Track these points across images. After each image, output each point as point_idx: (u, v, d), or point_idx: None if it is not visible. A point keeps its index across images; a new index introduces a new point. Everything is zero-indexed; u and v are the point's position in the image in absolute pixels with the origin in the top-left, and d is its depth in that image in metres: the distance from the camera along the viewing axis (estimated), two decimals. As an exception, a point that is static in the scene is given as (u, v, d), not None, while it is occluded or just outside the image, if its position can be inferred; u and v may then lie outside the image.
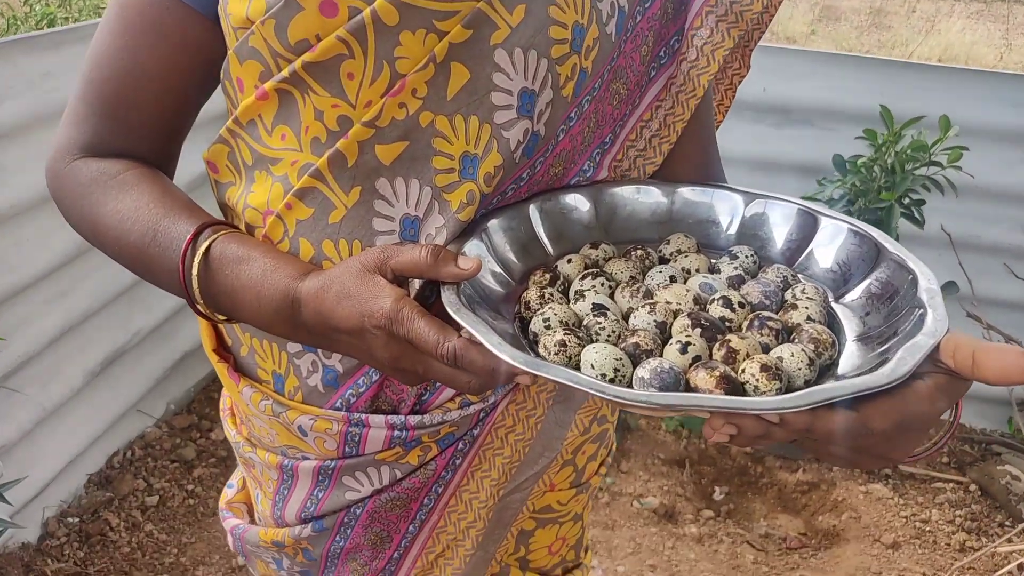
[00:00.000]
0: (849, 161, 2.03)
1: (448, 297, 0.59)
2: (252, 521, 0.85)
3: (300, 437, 0.74)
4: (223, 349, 0.79)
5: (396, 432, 0.72)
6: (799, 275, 0.70)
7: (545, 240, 0.74)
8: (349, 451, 0.74)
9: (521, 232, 0.73)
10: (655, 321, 0.62)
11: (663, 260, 0.74)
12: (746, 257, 0.71)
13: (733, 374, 0.56)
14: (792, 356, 0.57)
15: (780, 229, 0.75)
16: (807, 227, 0.73)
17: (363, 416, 0.71)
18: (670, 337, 0.62)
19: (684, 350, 0.58)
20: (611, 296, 0.67)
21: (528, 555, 0.91)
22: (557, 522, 0.90)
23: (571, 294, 0.68)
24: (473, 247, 0.68)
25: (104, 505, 1.87)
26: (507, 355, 0.53)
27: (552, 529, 0.90)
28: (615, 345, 0.60)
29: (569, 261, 0.71)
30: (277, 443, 0.77)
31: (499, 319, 0.64)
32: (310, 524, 0.78)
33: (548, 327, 0.62)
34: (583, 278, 0.68)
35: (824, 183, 2.03)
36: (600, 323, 0.61)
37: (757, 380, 0.55)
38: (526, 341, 0.63)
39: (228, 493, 0.90)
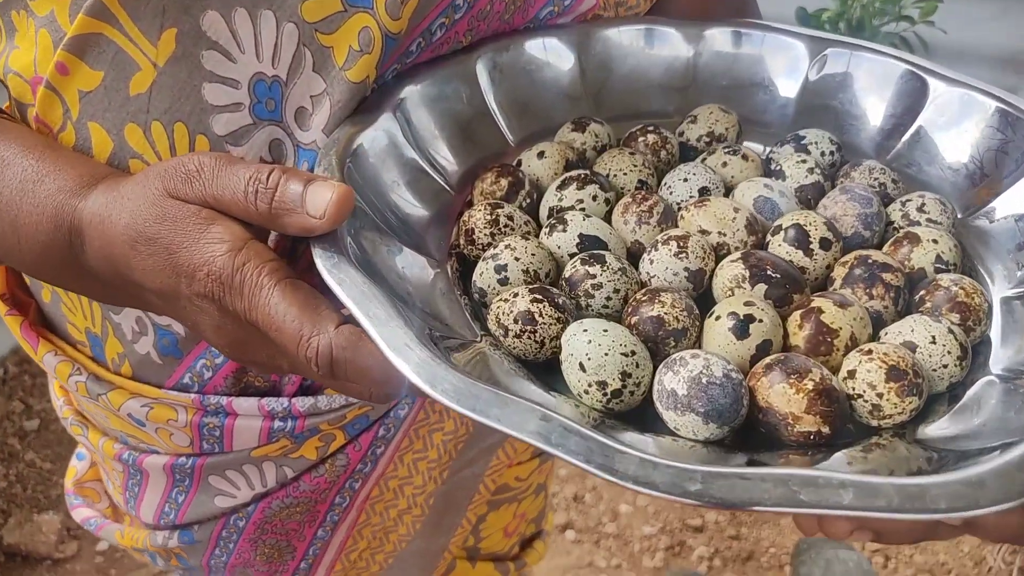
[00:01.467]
0: (813, 15, 1.80)
1: (319, 246, 0.32)
2: (113, 508, 0.62)
3: (135, 426, 0.49)
4: (22, 291, 0.52)
5: (277, 423, 0.47)
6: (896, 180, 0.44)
7: (500, 118, 0.47)
8: (209, 447, 0.49)
9: (462, 104, 0.45)
10: (686, 270, 0.36)
11: (687, 151, 0.47)
12: (823, 153, 0.45)
13: (836, 385, 0.31)
14: (933, 343, 0.33)
15: (870, 99, 0.48)
16: (912, 95, 0.46)
17: (224, 400, 0.46)
18: (711, 300, 0.36)
19: (743, 330, 0.33)
20: (607, 217, 0.41)
21: (479, 544, 0.70)
22: (516, 500, 0.68)
23: (544, 215, 0.42)
24: (380, 132, 0.41)
25: (-27, 436, 1.61)
26: (418, 372, 0.27)
27: (508, 509, 0.69)
28: (619, 321, 0.34)
29: (541, 155, 0.44)
30: (111, 426, 0.52)
31: (423, 259, 0.38)
32: (176, 533, 0.55)
33: (504, 282, 0.36)
34: (563, 185, 0.41)
35: (785, 40, 1.79)
36: (594, 277, 0.35)
37: (879, 395, 0.31)
38: (468, 303, 0.37)
39: (77, 468, 0.64)
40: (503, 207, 0.39)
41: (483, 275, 0.36)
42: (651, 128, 0.46)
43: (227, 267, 0.32)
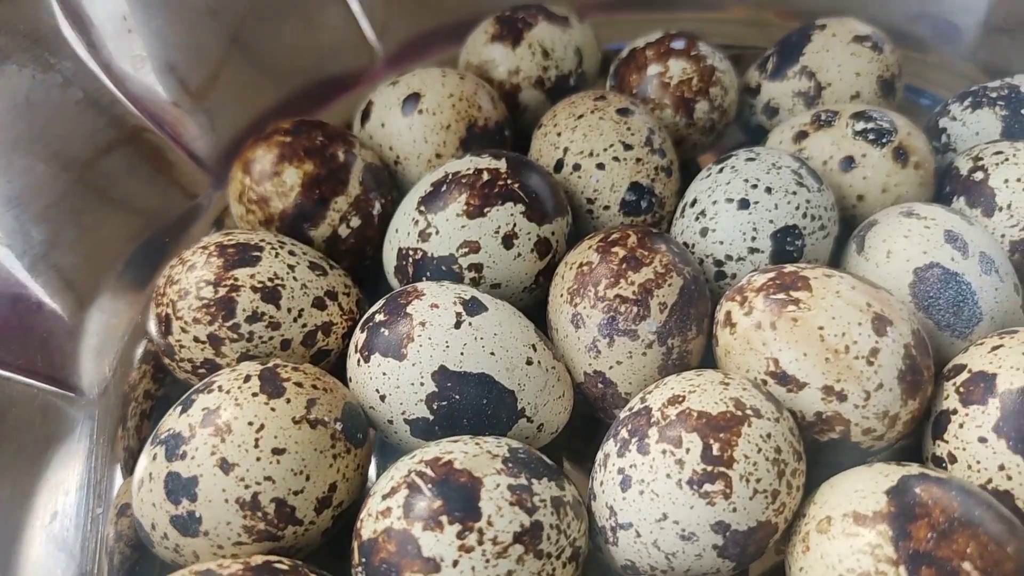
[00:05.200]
0: None
1: None
2: None
3: None
4: None
5: None
6: None
7: None
8: None
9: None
10: (720, 528, 0.12)
11: (755, 114, 0.22)
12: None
13: None
14: None
15: None
16: None
17: None
18: None
19: None
20: (536, 293, 0.16)
21: None
22: None
23: (389, 271, 0.17)
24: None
25: None
26: None
27: None
28: None
29: (413, 103, 0.19)
30: None
31: (48, 398, 0.15)
32: None
33: (187, 527, 0.12)
34: (433, 197, 0.16)
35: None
36: (450, 564, 0.11)
37: None
38: (122, 526, 0.14)
39: None
40: (263, 254, 0.15)
41: (144, 493, 0.13)
42: (678, 43, 0.20)
43: None
